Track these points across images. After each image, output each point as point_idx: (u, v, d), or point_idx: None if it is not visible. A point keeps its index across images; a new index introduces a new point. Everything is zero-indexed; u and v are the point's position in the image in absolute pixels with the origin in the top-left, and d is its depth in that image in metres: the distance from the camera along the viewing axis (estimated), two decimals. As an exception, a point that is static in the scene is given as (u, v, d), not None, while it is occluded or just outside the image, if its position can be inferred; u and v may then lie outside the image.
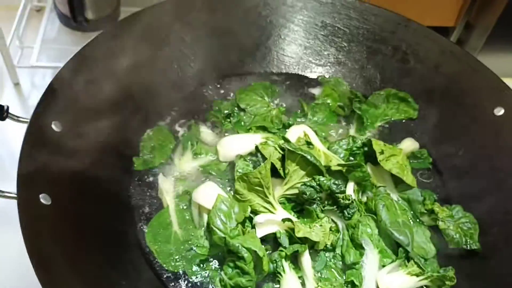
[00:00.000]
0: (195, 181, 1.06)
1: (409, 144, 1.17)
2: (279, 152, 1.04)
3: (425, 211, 1.05)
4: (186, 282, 0.94)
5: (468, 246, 0.98)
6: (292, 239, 0.95)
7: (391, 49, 1.27)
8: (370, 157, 1.11)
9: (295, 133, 1.12)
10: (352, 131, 1.22)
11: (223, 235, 0.92)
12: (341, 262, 0.98)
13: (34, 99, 1.41)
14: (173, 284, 0.93)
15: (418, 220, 1.06)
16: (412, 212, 1.07)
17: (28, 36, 1.50)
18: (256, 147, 1.04)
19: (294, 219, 0.97)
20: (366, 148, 1.12)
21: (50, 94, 0.94)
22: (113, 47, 1.09)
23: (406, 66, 1.25)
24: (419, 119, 1.23)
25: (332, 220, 1.01)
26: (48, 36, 1.49)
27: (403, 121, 1.24)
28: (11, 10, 1.54)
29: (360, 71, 1.30)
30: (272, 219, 0.96)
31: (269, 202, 0.97)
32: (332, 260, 0.98)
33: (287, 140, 1.04)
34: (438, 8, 1.63)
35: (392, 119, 1.24)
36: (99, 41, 1.06)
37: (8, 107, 0.93)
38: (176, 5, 1.18)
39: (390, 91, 1.25)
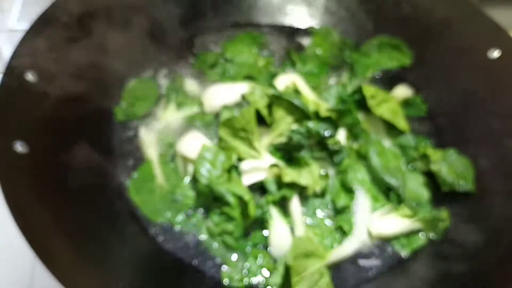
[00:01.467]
0: (179, 133, 1.03)
1: (402, 91, 1.14)
2: (266, 100, 1.00)
3: (418, 157, 1.01)
4: (172, 232, 0.91)
5: (462, 187, 0.95)
6: (280, 186, 0.92)
7: (383, -4, 1.22)
8: (362, 105, 1.07)
9: (283, 81, 1.08)
10: (343, 81, 1.17)
11: (208, 183, 0.89)
12: (332, 210, 0.95)
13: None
14: (159, 234, 0.91)
15: (410, 167, 1.02)
16: (405, 158, 1.03)
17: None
18: (242, 96, 1.01)
19: (282, 165, 0.94)
20: (357, 96, 1.09)
21: (26, 42, 0.91)
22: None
23: (399, 12, 1.20)
24: (412, 66, 1.18)
25: (321, 166, 0.98)
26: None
27: (396, 69, 1.20)
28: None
29: (351, 19, 1.25)
30: (259, 166, 0.93)
31: (254, 149, 0.94)
32: (321, 206, 0.95)
33: (273, 87, 1.00)
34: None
35: (385, 67, 1.20)
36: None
37: None
38: None
39: (383, 39, 1.21)
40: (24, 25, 1.40)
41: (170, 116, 1.05)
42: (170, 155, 1.00)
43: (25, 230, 0.72)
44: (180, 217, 0.92)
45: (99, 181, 0.93)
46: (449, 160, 0.99)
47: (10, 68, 0.89)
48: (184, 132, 1.03)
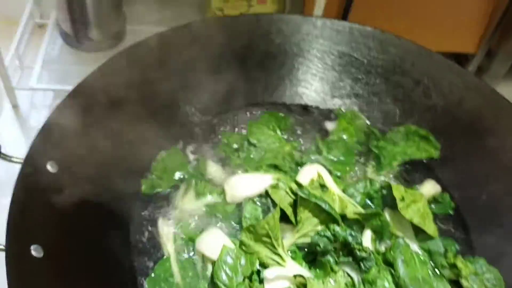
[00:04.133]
0: (198, 225, 0.98)
1: (430, 188, 1.10)
2: (291, 197, 0.96)
3: (447, 265, 0.97)
4: None
5: (494, 307, 0.90)
6: (304, 295, 0.88)
7: (411, 82, 1.19)
8: (389, 201, 1.03)
9: (308, 174, 1.04)
10: (369, 170, 1.14)
11: (228, 291, 0.84)
12: (356, 322, 0.90)
13: (33, 122, 1.34)
14: None
15: (438, 273, 0.98)
16: (432, 263, 0.99)
17: (29, 55, 1.43)
18: (266, 192, 0.97)
19: (307, 273, 0.90)
20: (384, 191, 1.05)
21: (45, 132, 0.88)
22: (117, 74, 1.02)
23: (428, 100, 1.18)
24: (440, 159, 1.15)
25: (348, 274, 0.93)
26: (50, 56, 1.42)
27: (424, 161, 1.16)
28: (11, 25, 1.48)
29: (378, 104, 1.22)
30: (283, 274, 0.89)
31: (278, 254, 0.90)
32: (347, 320, 0.90)
33: (299, 185, 0.97)
34: (459, 34, 1.56)
35: (412, 158, 1.16)
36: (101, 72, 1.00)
37: None
38: (187, 33, 1.12)
39: (410, 128, 1.18)
40: (43, 84, 1.38)
41: (188, 204, 1.01)
42: (189, 251, 0.95)
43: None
44: (197, 325, 0.88)
45: (115, 282, 0.89)
46: (479, 273, 0.95)
47: (30, 157, 0.86)
48: (204, 223, 0.99)
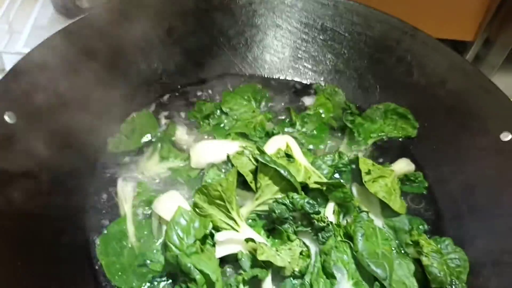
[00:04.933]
0: (159, 188, 0.97)
1: (403, 165, 1.06)
2: (253, 164, 0.94)
3: (411, 242, 0.94)
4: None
5: (453, 287, 0.87)
6: (256, 261, 0.85)
7: (394, 60, 1.16)
8: (358, 176, 1.00)
9: (276, 143, 1.02)
10: (342, 146, 1.11)
11: (177, 252, 0.83)
12: (309, 292, 0.88)
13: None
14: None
15: (403, 251, 0.95)
16: (397, 241, 0.96)
17: (19, 21, 1.44)
18: (228, 156, 0.95)
19: (260, 239, 0.88)
20: (354, 166, 1.02)
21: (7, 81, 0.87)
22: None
23: (409, 79, 1.14)
24: (417, 138, 1.12)
25: (304, 244, 0.90)
26: (39, 23, 1.43)
27: (400, 139, 1.13)
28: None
29: (358, 81, 1.19)
30: (235, 238, 0.87)
31: (232, 218, 0.88)
32: (298, 288, 0.88)
33: (261, 151, 0.94)
34: (457, 21, 1.51)
35: (389, 136, 1.13)
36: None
37: None
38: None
39: (389, 106, 1.14)
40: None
41: (152, 167, 1.00)
42: (147, 212, 0.94)
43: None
44: (145, 284, 0.86)
45: (66, 236, 0.88)
46: (444, 252, 0.91)
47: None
48: (165, 187, 0.98)
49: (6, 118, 0.85)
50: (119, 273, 0.87)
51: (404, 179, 1.05)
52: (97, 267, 0.88)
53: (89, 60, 0.99)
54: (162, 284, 0.88)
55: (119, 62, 1.06)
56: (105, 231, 0.91)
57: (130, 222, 0.93)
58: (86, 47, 1.00)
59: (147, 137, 1.06)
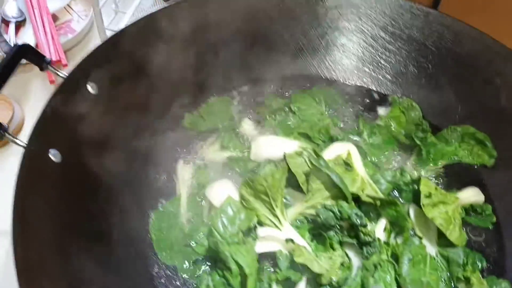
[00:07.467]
0: (215, 175, 1.01)
1: (471, 195, 0.99)
2: (308, 166, 0.94)
3: (463, 278, 0.87)
4: (174, 278, 0.90)
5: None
6: (294, 263, 0.86)
7: (481, 81, 1.07)
8: (418, 197, 0.95)
9: (337, 149, 1.00)
10: (409, 164, 1.06)
11: (220, 239, 0.85)
12: (343, 306, 0.86)
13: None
14: (161, 277, 0.90)
15: (453, 285, 0.89)
16: (449, 273, 0.90)
17: (126, 2, 1.55)
18: (284, 155, 0.96)
19: (302, 242, 0.87)
20: (416, 186, 0.97)
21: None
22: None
23: (495, 104, 1.05)
24: (493, 168, 1.03)
25: (347, 255, 0.88)
26: (143, 5, 1.54)
27: (475, 167, 1.05)
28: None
29: (439, 98, 1.13)
30: (276, 236, 0.87)
31: (275, 216, 0.88)
32: (332, 300, 0.86)
33: (317, 154, 0.93)
34: None
35: (462, 161, 1.06)
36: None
37: (6, 127, 0.82)
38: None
39: (468, 129, 1.07)
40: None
41: (212, 154, 1.04)
42: (202, 196, 0.98)
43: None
44: (186, 264, 0.90)
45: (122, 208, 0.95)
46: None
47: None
48: (221, 176, 1.01)
49: (89, 87, 0.93)
50: (167, 250, 0.92)
51: (470, 209, 0.98)
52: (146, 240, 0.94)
53: (186, 41, 1.04)
54: (203, 267, 0.91)
55: (216, 44, 1.10)
56: (161, 208, 0.97)
57: (184, 203, 0.97)
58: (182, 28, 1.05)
59: (220, 123, 1.09)
